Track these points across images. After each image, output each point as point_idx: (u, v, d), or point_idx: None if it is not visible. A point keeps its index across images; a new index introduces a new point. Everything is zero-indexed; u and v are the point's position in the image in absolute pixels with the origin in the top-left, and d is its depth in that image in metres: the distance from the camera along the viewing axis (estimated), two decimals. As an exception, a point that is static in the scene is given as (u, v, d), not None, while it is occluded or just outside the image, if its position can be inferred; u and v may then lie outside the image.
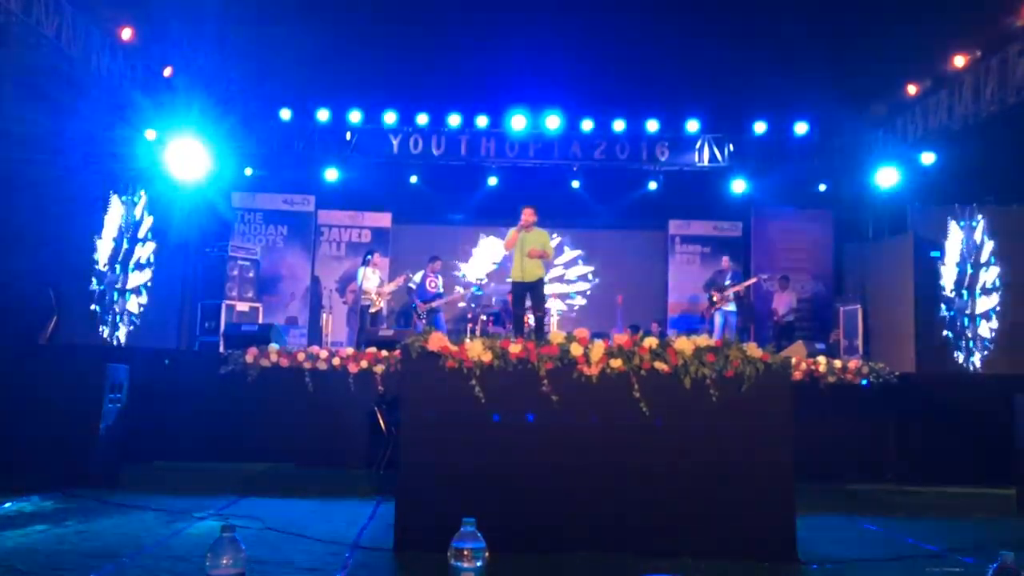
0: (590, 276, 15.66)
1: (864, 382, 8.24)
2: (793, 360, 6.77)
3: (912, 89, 12.83)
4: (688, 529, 4.60)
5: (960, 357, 11.37)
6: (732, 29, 10.93)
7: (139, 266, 11.51)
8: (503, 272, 14.23)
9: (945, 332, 11.41)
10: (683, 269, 15.19)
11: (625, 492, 4.63)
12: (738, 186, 14.89)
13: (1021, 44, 10.40)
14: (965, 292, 11.49)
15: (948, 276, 11.52)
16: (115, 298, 11.38)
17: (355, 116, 14.30)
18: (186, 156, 12.07)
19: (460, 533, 2.88)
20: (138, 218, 11.57)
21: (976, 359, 11.35)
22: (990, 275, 11.50)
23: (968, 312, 11.45)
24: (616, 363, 4.69)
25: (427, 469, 4.65)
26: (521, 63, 11.52)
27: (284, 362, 8.14)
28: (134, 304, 11.37)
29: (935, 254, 11.55)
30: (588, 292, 15.64)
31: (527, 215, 8.98)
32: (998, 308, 11.41)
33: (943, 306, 11.44)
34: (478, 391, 4.65)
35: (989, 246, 11.52)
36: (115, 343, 11.01)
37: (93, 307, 11.22)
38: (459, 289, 14.07)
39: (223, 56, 12.14)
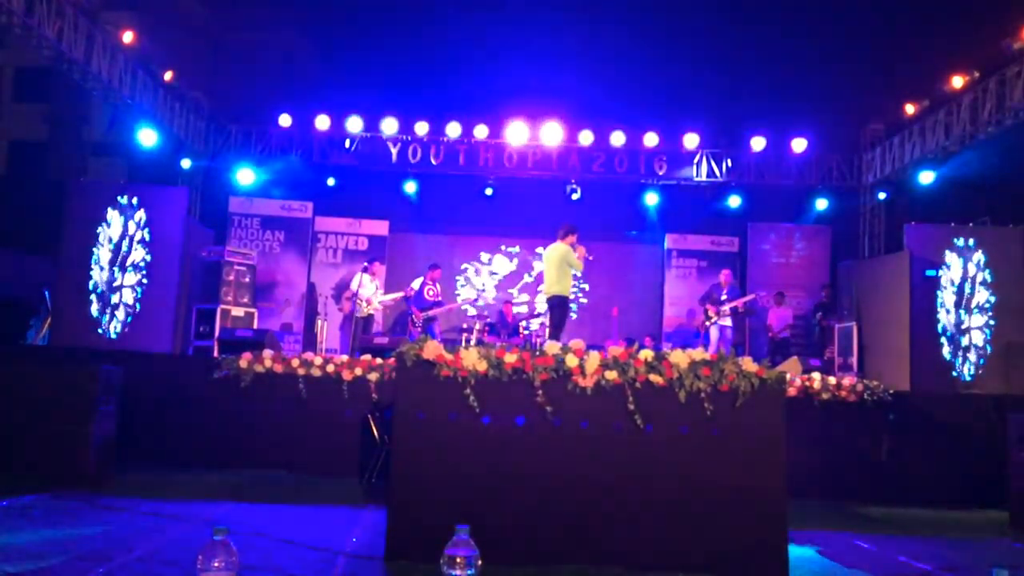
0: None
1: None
2: (788, 376, 6.78)
3: (910, 108, 12.91)
4: (680, 543, 4.59)
5: (954, 376, 11.39)
6: (732, 45, 11.00)
7: (135, 267, 11.52)
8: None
9: (940, 351, 11.43)
10: (679, 283, 15.19)
11: (617, 504, 4.63)
12: (735, 201, 14.93)
13: (1019, 66, 10.47)
14: (960, 311, 11.53)
15: (943, 295, 11.56)
16: (111, 298, 11.39)
17: (355, 124, 14.31)
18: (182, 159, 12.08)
19: (453, 541, 2.87)
20: (135, 220, 11.57)
21: (970, 378, 11.37)
22: (984, 294, 11.54)
23: (962, 331, 11.49)
24: (611, 375, 4.69)
25: (420, 478, 4.63)
26: (521, 74, 11.57)
27: (278, 368, 8.12)
28: (129, 297, 11.40)
29: (931, 273, 11.58)
30: (583, 303, 15.61)
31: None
32: (992, 327, 11.44)
33: (938, 325, 11.48)
34: (472, 400, 4.64)
35: (984, 265, 11.57)
36: (111, 336, 11.06)
37: (92, 298, 11.25)
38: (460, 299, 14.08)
39: (224, 61, 12.18)
